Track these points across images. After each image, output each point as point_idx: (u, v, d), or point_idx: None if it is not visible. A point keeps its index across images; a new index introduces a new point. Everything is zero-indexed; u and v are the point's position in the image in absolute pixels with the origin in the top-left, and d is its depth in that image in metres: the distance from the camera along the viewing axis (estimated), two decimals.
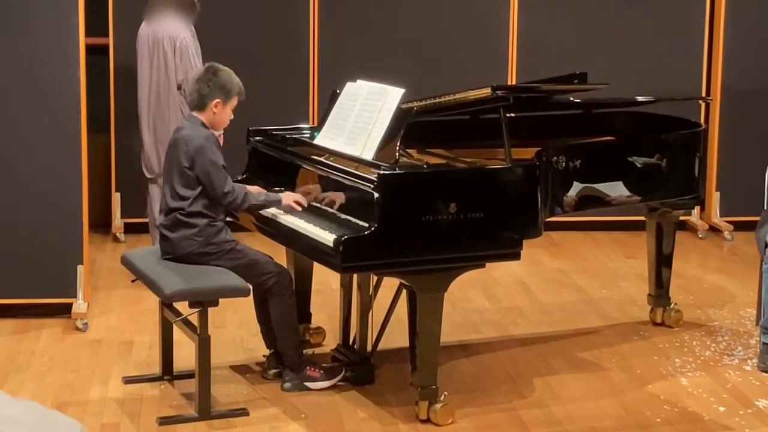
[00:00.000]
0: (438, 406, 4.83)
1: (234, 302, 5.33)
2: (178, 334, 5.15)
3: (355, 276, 5.25)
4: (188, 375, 5.12)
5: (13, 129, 5.93)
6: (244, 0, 7.69)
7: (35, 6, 5.85)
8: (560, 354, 5.69)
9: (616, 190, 5.53)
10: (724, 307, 6.45)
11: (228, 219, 5.23)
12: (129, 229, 7.67)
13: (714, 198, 8.04)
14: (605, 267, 7.27)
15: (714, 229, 8.08)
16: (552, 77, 5.89)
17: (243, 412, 4.92)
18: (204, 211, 5.01)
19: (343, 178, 4.89)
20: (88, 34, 6.06)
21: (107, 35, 7.59)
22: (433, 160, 5.17)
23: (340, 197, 4.94)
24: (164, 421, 4.84)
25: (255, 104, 7.26)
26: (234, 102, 5.11)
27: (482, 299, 6.55)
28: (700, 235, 7.98)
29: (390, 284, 5.20)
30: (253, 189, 5.24)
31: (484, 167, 5.06)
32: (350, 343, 5.37)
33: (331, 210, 4.98)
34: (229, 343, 5.73)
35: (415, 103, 5.24)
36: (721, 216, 8.06)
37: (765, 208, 5.79)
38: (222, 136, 6.14)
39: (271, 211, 5.14)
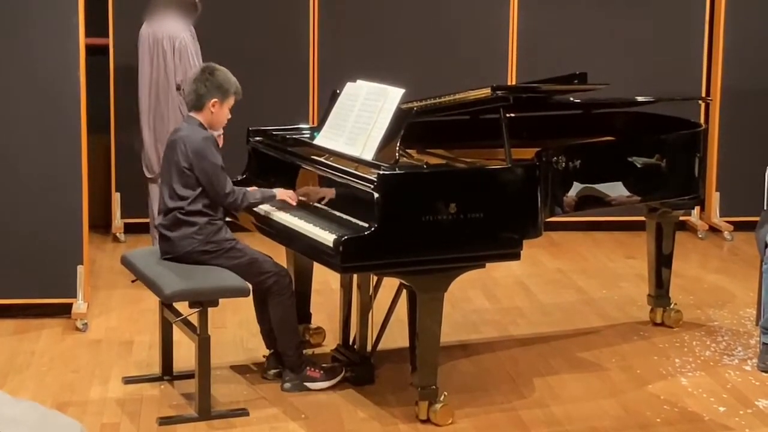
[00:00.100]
0: (438, 406, 4.83)
1: (234, 302, 5.33)
2: (178, 335, 5.15)
3: (355, 276, 5.25)
4: (188, 375, 5.12)
5: (13, 129, 5.93)
6: (244, 0, 7.69)
7: (35, 6, 5.86)
8: (560, 354, 5.69)
9: (616, 190, 5.53)
10: (724, 308, 6.45)
11: (228, 219, 5.23)
12: (129, 229, 7.67)
13: (714, 198, 8.04)
14: (605, 267, 7.27)
15: (714, 230, 8.08)
16: (552, 77, 5.90)
17: (243, 412, 4.92)
18: (204, 210, 5.01)
19: (343, 178, 4.89)
20: (88, 34, 6.06)
21: (107, 35, 7.59)
22: (433, 161, 5.17)
23: (340, 197, 4.95)
24: (164, 421, 4.84)
25: (255, 104, 7.30)
26: (231, 101, 5.12)
27: (482, 299, 6.55)
28: (700, 236, 7.98)
29: (390, 284, 5.20)
30: (251, 189, 5.25)
31: (484, 167, 5.06)
32: (350, 343, 5.37)
33: (331, 210, 4.98)
34: (229, 343, 5.73)
35: (415, 103, 5.24)
36: (721, 216, 8.06)
37: (765, 208, 5.79)
38: (222, 136, 6.15)
39: (269, 210, 5.14)
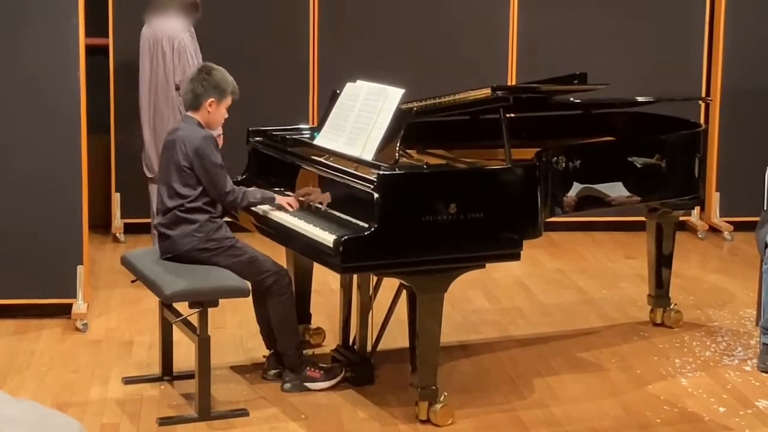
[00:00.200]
0: (438, 406, 4.83)
1: (234, 303, 5.33)
2: (178, 335, 5.15)
3: (354, 276, 5.25)
4: (188, 375, 5.12)
5: (13, 129, 5.93)
6: (244, 0, 7.68)
7: (35, 6, 5.85)
8: (560, 354, 5.69)
9: (616, 190, 5.53)
10: (724, 308, 6.45)
11: (227, 219, 5.24)
12: (129, 229, 7.67)
13: (714, 198, 8.04)
14: (605, 267, 7.27)
15: (714, 230, 8.08)
16: (552, 77, 5.89)
17: (243, 413, 4.92)
18: (204, 207, 5.02)
19: (343, 178, 4.89)
20: (88, 34, 6.06)
21: (107, 35, 7.59)
22: (433, 161, 5.17)
23: (339, 198, 4.95)
24: (164, 421, 4.84)
25: (255, 104, 7.31)
26: (228, 101, 5.12)
27: (482, 300, 6.55)
28: (700, 236, 7.98)
29: (390, 284, 5.20)
30: (249, 190, 5.26)
31: (484, 167, 5.06)
32: (350, 343, 5.37)
33: (330, 210, 4.98)
34: (229, 343, 5.73)
35: (415, 104, 5.23)
36: (721, 216, 8.06)
37: (765, 208, 5.79)
38: (221, 136, 6.15)
39: (269, 210, 5.14)
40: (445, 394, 4.86)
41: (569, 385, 5.30)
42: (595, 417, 4.97)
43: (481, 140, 5.51)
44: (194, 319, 4.88)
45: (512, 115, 5.40)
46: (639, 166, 5.59)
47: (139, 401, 5.05)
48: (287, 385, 5.15)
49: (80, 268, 6.02)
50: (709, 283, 6.96)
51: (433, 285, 4.78)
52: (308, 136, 5.60)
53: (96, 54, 7.17)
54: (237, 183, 5.35)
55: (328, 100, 5.50)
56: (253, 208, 5.21)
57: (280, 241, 5.16)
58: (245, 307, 5.48)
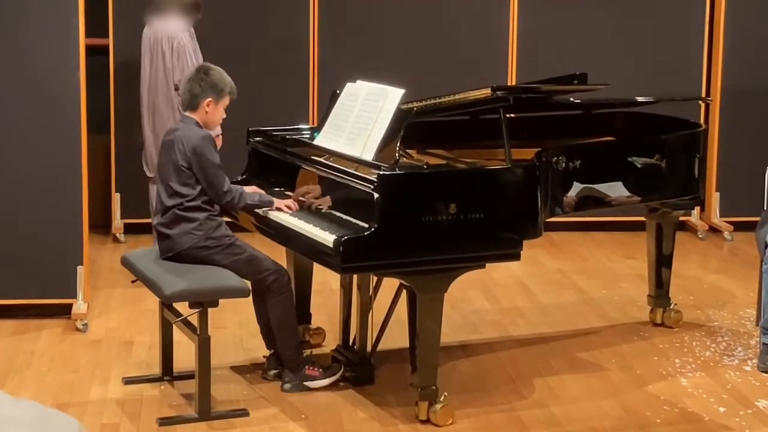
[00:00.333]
0: (438, 406, 4.83)
1: (234, 303, 5.33)
2: (178, 335, 5.15)
3: (354, 276, 5.24)
4: (188, 375, 5.12)
5: (13, 129, 5.93)
6: (244, 0, 7.68)
7: (35, 6, 5.85)
8: (560, 354, 5.69)
9: (616, 190, 5.53)
10: (724, 308, 6.45)
11: (227, 219, 5.24)
12: (129, 229, 7.67)
13: (714, 198, 8.04)
14: (605, 267, 7.27)
15: (714, 230, 8.08)
16: (552, 77, 5.89)
17: (243, 413, 4.92)
18: (203, 206, 5.02)
19: (343, 178, 4.89)
20: (88, 34, 6.06)
21: (107, 35, 7.59)
22: (433, 161, 5.17)
23: (339, 198, 4.95)
24: (164, 421, 4.84)
25: (255, 105, 7.31)
26: (226, 101, 5.12)
27: (482, 300, 6.55)
28: (700, 236, 7.98)
29: (390, 284, 5.20)
30: (249, 189, 5.26)
31: (484, 168, 5.06)
32: (350, 343, 5.36)
33: (330, 210, 4.98)
34: (229, 343, 5.73)
35: (415, 104, 5.23)
36: (721, 216, 8.06)
37: (765, 208, 5.79)
38: (221, 136, 6.15)
39: (266, 211, 5.14)
40: (445, 394, 4.86)
41: (569, 385, 5.30)
42: (595, 417, 4.97)
43: (481, 140, 5.50)
44: (194, 319, 4.88)
45: (512, 115, 5.40)
46: (639, 166, 5.59)
47: (139, 401, 5.05)
48: (287, 385, 5.15)
49: (80, 268, 6.02)
50: (709, 283, 6.96)
51: (433, 285, 4.78)
52: (308, 136, 5.60)
53: (96, 54, 7.17)
54: (237, 183, 5.35)
55: (328, 100, 5.50)
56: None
57: (279, 241, 5.16)
58: (245, 307, 5.48)
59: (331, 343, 5.61)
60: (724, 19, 7.92)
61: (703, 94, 7.95)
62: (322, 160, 5.13)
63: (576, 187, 5.29)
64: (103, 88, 7.53)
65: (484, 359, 5.63)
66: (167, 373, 5.25)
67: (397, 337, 5.39)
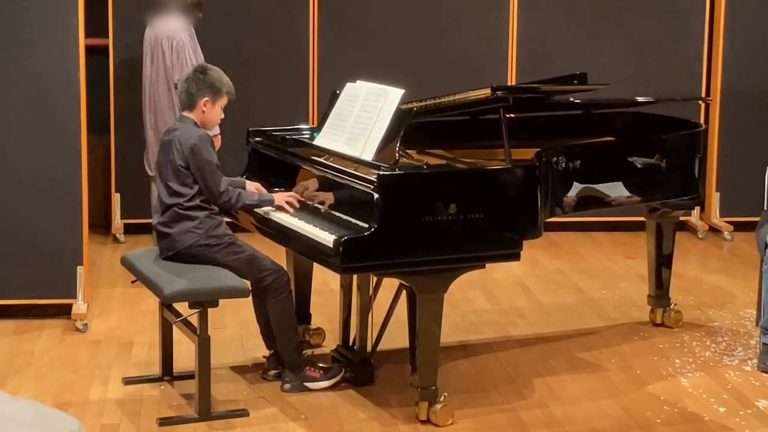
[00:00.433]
0: (438, 406, 4.83)
1: (233, 303, 5.33)
2: (178, 335, 5.15)
3: (354, 277, 5.24)
4: (188, 375, 5.12)
5: (13, 129, 5.93)
6: (244, 1, 7.68)
7: (35, 6, 5.85)
8: (560, 355, 5.69)
9: (616, 190, 5.53)
10: (724, 308, 6.45)
11: (228, 219, 5.23)
12: (129, 229, 7.67)
13: (714, 198, 8.04)
14: (605, 267, 7.27)
15: (714, 230, 8.08)
16: (552, 77, 5.89)
17: (243, 413, 4.92)
18: (203, 204, 5.02)
19: (343, 178, 4.89)
20: (88, 35, 6.06)
21: (107, 35, 7.58)
22: (433, 161, 5.17)
23: (339, 198, 4.95)
24: (164, 421, 4.84)
25: (255, 105, 7.31)
26: (224, 101, 5.11)
27: (482, 300, 6.54)
28: (699, 236, 7.98)
29: (390, 285, 5.20)
30: (252, 186, 5.25)
31: (484, 168, 5.06)
32: (350, 343, 5.36)
33: (330, 211, 4.98)
34: (229, 343, 5.73)
35: (415, 104, 5.23)
36: (721, 216, 8.06)
37: (765, 208, 5.79)
38: (219, 137, 6.16)
39: (268, 210, 5.14)
40: (445, 394, 4.86)
41: (569, 385, 5.30)
42: (595, 417, 4.97)
43: (481, 140, 5.50)
44: (194, 320, 4.88)
45: (512, 115, 5.40)
46: (639, 166, 5.59)
47: (139, 401, 5.05)
48: (287, 386, 5.15)
49: (80, 269, 6.02)
50: (709, 283, 6.96)
51: (433, 285, 4.78)
52: (308, 136, 5.60)
53: (96, 54, 7.17)
54: (237, 178, 5.36)
55: (328, 100, 5.50)
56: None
57: (279, 242, 5.16)
58: (245, 307, 5.48)
59: (331, 343, 5.61)
60: (724, 19, 7.92)
61: (703, 94, 7.95)
62: (322, 160, 5.12)
63: (576, 187, 5.29)
64: (103, 88, 7.53)
65: (484, 359, 5.63)
66: (167, 373, 5.25)
67: (397, 337, 5.38)
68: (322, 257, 4.75)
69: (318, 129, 5.47)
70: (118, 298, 6.45)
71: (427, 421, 4.84)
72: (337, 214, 4.93)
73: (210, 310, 4.86)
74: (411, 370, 4.87)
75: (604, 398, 5.17)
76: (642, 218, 6.17)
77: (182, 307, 4.97)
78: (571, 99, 5.96)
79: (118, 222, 7.70)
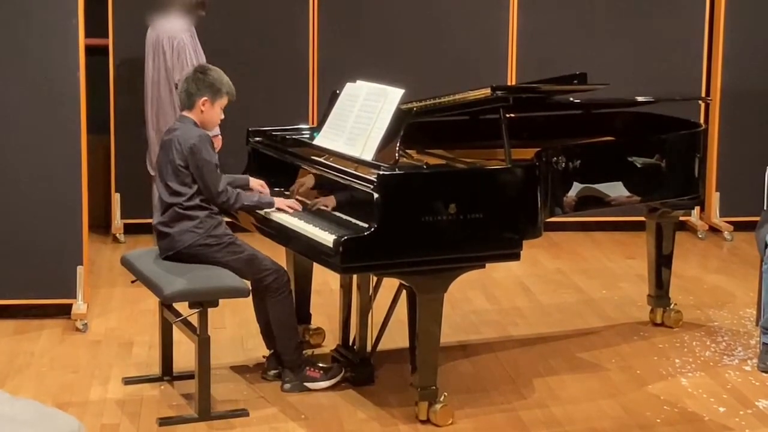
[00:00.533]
0: (438, 406, 4.83)
1: (233, 303, 5.33)
2: (178, 335, 5.15)
3: (354, 277, 5.24)
4: (188, 375, 5.12)
5: (13, 129, 5.93)
6: (244, 1, 7.68)
7: (35, 6, 5.85)
8: (560, 355, 5.69)
9: (615, 190, 5.53)
10: (724, 308, 6.45)
11: (228, 219, 5.23)
12: (129, 229, 7.67)
13: (714, 198, 8.04)
14: (605, 267, 7.27)
15: (714, 230, 8.08)
16: (552, 77, 5.89)
17: (243, 413, 4.92)
18: (202, 204, 5.01)
19: (343, 178, 4.89)
20: (88, 34, 6.06)
21: (107, 35, 7.58)
22: (433, 161, 5.17)
23: (339, 198, 4.95)
24: (164, 421, 4.84)
25: (255, 105, 7.31)
26: (223, 101, 5.10)
27: (482, 300, 6.54)
28: (699, 236, 7.98)
29: (390, 285, 5.20)
30: (256, 183, 5.25)
31: (484, 168, 5.06)
32: (350, 343, 5.36)
33: (330, 210, 4.98)
34: (229, 343, 5.73)
35: (415, 104, 5.23)
36: (720, 216, 8.06)
37: (765, 208, 5.79)
38: (219, 137, 6.16)
39: (268, 210, 5.14)
40: (445, 394, 4.86)
41: (569, 385, 5.30)
42: (595, 417, 4.97)
43: (481, 140, 5.50)
44: (194, 319, 4.88)
45: (512, 115, 5.40)
46: (639, 166, 5.59)
47: (139, 401, 5.05)
48: (287, 386, 5.15)
49: (80, 268, 6.02)
50: (709, 283, 6.96)
51: (433, 285, 4.78)
52: (308, 136, 5.60)
53: (96, 54, 7.17)
54: (239, 175, 5.36)
55: (328, 100, 5.50)
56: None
57: (279, 241, 5.16)
58: (245, 307, 5.48)
59: (331, 343, 5.60)
60: (724, 19, 7.92)
61: (703, 94, 7.95)
62: (322, 160, 5.13)
63: (576, 187, 5.29)
64: (103, 88, 7.53)
65: (484, 359, 5.63)
66: (167, 373, 5.25)
67: (397, 337, 5.39)
68: (322, 257, 4.75)
69: (318, 129, 5.47)
70: (118, 298, 6.45)
71: (427, 421, 4.84)
72: (337, 213, 4.93)
73: (210, 310, 4.87)
74: (411, 370, 4.87)
75: (604, 398, 5.17)
76: (642, 218, 6.17)
77: (182, 307, 4.97)
78: (571, 99, 5.97)
79: (118, 222, 7.70)
